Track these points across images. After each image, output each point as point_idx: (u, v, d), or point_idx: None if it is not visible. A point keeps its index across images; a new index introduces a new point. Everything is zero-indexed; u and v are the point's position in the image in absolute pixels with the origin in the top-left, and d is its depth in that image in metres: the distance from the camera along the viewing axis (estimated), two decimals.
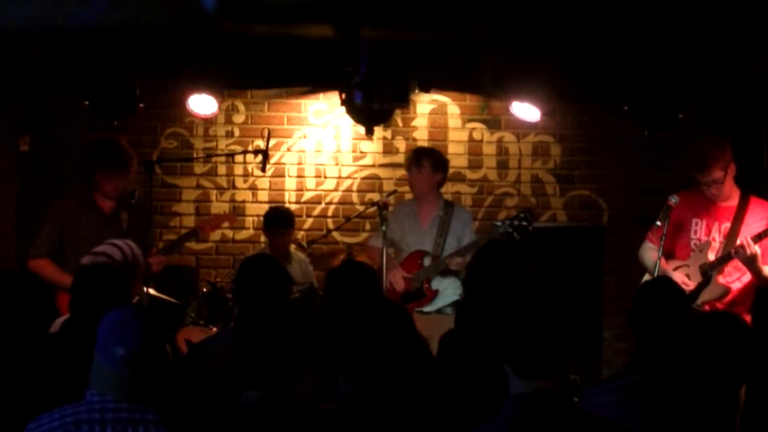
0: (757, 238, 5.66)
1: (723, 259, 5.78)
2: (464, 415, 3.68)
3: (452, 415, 3.70)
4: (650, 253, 6.09)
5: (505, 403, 2.72)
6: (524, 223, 6.31)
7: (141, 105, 6.80)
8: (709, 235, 5.89)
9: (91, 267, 4.29)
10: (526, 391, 2.70)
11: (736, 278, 5.84)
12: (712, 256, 5.81)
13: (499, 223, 6.42)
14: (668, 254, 5.90)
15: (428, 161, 6.58)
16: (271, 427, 2.77)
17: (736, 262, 5.79)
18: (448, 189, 7.96)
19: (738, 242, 5.71)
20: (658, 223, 5.81)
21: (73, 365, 3.61)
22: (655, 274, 5.67)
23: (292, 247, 7.28)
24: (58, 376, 3.67)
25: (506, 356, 2.74)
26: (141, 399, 2.91)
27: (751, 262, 5.66)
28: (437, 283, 6.47)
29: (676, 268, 5.86)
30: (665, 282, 4.10)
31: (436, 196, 6.63)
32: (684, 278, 5.77)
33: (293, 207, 7.72)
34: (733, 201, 5.88)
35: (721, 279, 5.81)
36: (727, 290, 5.78)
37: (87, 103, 6.62)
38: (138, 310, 3.03)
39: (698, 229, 5.94)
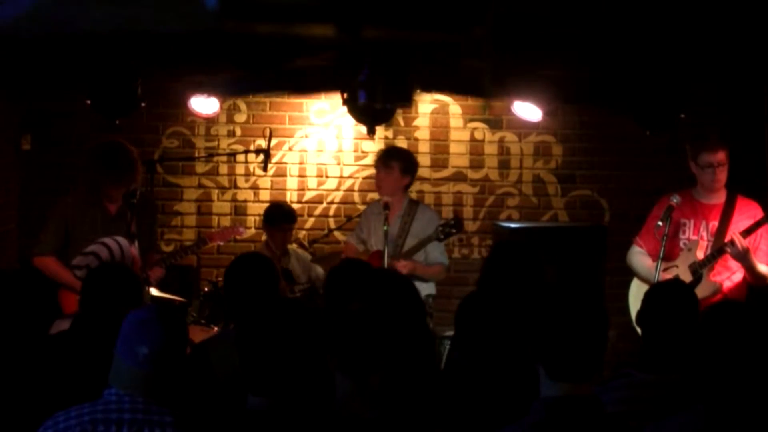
0: (746, 232, 5.69)
1: (714, 255, 5.80)
2: (464, 415, 3.68)
3: (451, 415, 3.69)
4: (639, 257, 6.10)
5: (534, 404, 2.69)
6: (453, 230, 6.31)
7: (143, 104, 6.81)
8: (697, 234, 5.91)
9: (101, 267, 4.31)
10: (558, 394, 2.67)
11: (726, 277, 5.86)
12: (701, 255, 5.83)
13: (432, 230, 6.35)
14: (658, 255, 5.85)
15: (397, 163, 6.52)
16: (278, 430, 2.75)
17: (725, 261, 5.81)
18: (450, 189, 7.98)
19: (727, 238, 5.73)
20: (660, 223, 5.82)
21: (85, 364, 3.62)
22: (656, 277, 5.67)
23: (293, 245, 7.28)
24: (68, 374, 3.67)
25: (540, 358, 2.71)
26: (161, 398, 2.91)
27: (743, 256, 5.68)
28: None
29: (665, 269, 5.84)
30: (678, 283, 4.12)
31: (401, 196, 6.56)
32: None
33: (294, 206, 7.72)
34: (720, 200, 5.92)
35: (711, 277, 5.82)
36: (718, 287, 5.78)
37: (89, 102, 6.62)
38: (162, 310, 3.03)
39: (686, 229, 5.97)
